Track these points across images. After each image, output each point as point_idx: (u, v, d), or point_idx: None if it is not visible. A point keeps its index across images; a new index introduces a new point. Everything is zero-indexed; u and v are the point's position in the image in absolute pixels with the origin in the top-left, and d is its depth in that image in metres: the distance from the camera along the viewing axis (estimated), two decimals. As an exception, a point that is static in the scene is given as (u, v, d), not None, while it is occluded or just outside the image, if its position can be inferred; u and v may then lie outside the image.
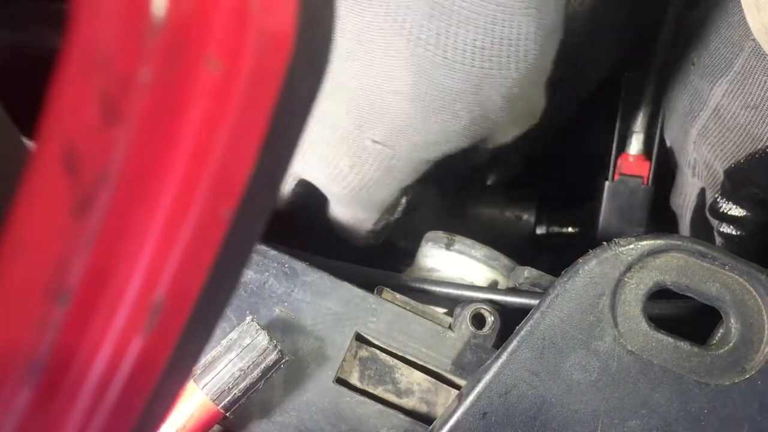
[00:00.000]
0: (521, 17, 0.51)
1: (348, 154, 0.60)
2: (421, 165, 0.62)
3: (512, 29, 0.52)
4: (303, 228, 0.71)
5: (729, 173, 0.62)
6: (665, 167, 0.74)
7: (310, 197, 0.69)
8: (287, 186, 0.68)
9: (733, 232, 0.64)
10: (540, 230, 0.85)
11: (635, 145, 0.75)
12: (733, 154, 0.61)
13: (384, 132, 0.58)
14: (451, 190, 0.81)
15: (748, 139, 0.59)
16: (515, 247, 0.71)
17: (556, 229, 0.85)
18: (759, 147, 0.59)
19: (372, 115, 0.57)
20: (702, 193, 0.67)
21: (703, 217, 0.68)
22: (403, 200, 0.67)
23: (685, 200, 0.71)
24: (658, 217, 0.75)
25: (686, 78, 0.67)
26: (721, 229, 0.65)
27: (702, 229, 0.68)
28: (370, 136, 0.58)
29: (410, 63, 0.53)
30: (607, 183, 0.74)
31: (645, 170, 0.74)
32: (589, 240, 0.78)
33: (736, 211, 0.63)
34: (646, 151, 0.75)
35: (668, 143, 0.74)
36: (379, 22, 0.52)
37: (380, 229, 0.70)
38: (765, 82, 0.56)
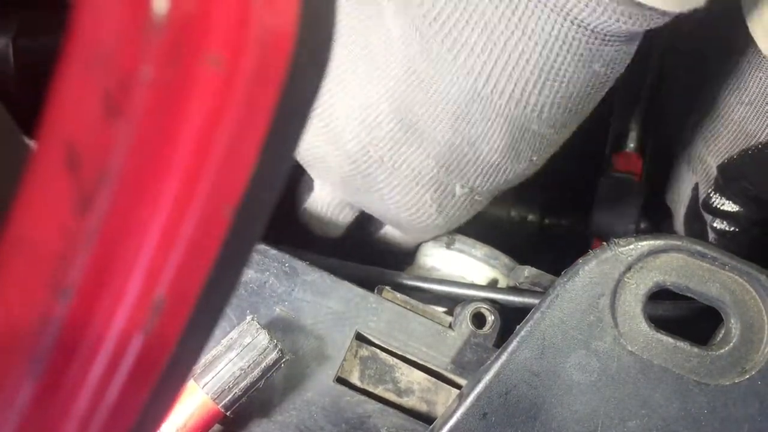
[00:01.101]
0: (609, 69, 0.52)
1: (434, 198, 0.61)
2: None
3: (597, 78, 0.52)
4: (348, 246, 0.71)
5: (722, 168, 0.62)
6: (658, 165, 0.75)
7: (362, 223, 0.70)
8: (346, 216, 0.68)
9: (726, 228, 0.64)
10: (539, 222, 0.86)
11: (629, 142, 0.76)
12: (727, 149, 0.61)
13: (473, 178, 0.59)
14: None
15: (742, 135, 0.60)
16: (517, 244, 0.72)
17: (552, 221, 0.86)
18: (752, 143, 0.59)
19: (462, 165, 0.58)
20: (696, 188, 0.68)
21: (697, 213, 0.68)
22: None
23: (679, 195, 0.71)
24: (650, 215, 0.76)
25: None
26: (714, 225, 0.65)
27: (696, 225, 0.68)
28: (459, 182, 0.59)
29: (508, 122, 0.54)
30: (601, 179, 0.76)
31: (638, 167, 0.76)
32: (582, 234, 0.79)
33: (729, 206, 0.64)
34: (640, 148, 0.76)
35: (664, 137, 0.74)
36: (477, 85, 0.52)
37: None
38: (761, 79, 0.56)
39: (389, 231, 0.69)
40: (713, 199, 0.65)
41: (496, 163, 0.57)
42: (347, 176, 0.60)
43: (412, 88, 0.54)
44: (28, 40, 0.66)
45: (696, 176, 0.67)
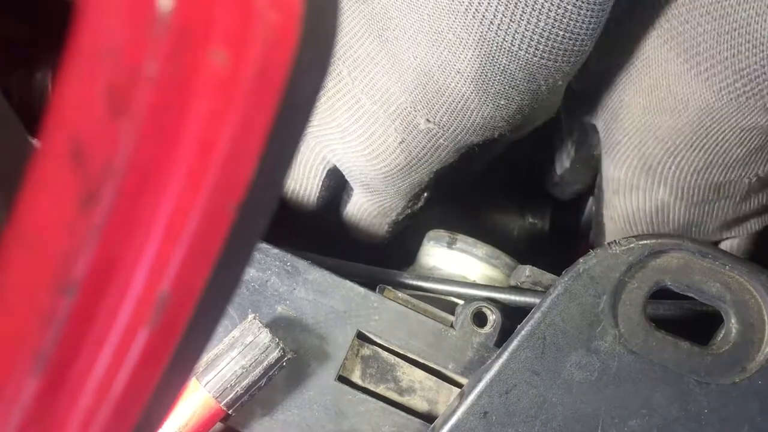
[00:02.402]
0: (589, 12, 0.51)
1: (399, 130, 0.60)
2: (463, 148, 0.62)
3: (577, 23, 0.52)
4: (330, 227, 0.70)
5: None
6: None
7: (337, 193, 0.69)
8: (316, 177, 0.67)
9: None
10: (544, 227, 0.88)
11: None
12: None
13: (440, 112, 0.58)
14: (463, 190, 0.81)
15: None
16: (521, 248, 0.72)
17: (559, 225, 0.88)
18: None
19: (431, 93, 0.57)
20: None
21: None
22: (427, 192, 0.67)
23: None
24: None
25: None
26: None
27: None
28: (425, 115, 0.58)
29: (479, 45, 0.53)
30: (591, 198, 0.78)
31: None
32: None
33: None
34: None
35: None
36: (454, 4, 0.52)
37: (401, 221, 0.69)
38: None
39: (357, 200, 0.68)
40: None
41: (464, 94, 0.57)
42: None
43: (392, 3, 0.55)
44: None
45: None
